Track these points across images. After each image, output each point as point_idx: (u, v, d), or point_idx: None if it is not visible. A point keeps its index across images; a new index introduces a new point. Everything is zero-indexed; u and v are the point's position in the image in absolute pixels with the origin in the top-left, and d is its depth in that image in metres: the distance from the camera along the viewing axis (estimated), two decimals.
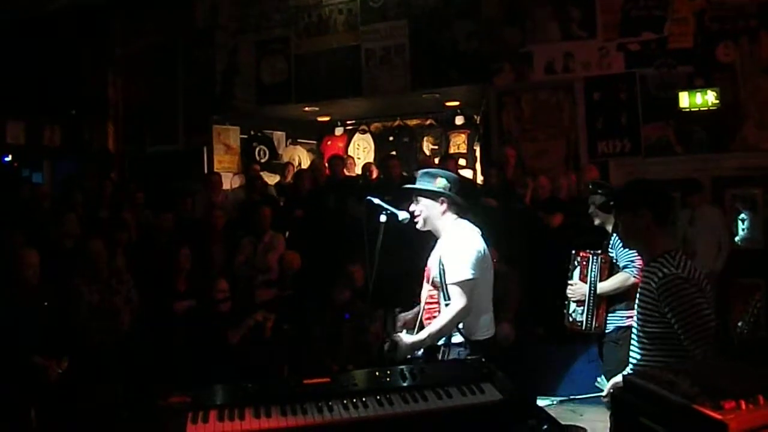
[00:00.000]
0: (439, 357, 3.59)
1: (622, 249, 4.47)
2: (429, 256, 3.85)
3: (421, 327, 3.66)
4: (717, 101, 7.42)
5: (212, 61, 9.72)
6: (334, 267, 6.36)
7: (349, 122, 11.05)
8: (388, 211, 3.83)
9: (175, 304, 5.95)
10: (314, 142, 11.42)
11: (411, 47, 8.78)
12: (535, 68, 8.20)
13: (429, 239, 3.90)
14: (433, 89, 9.03)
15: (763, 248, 7.25)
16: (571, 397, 6.01)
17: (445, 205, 3.73)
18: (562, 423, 2.90)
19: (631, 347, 2.98)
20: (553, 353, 6.16)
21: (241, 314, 6.00)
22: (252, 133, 10.51)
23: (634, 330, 2.96)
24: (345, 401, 2.74)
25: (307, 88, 9.34)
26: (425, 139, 10.82)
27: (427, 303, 3.73)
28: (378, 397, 2.76)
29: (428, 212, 3.74)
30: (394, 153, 9.87)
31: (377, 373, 2.99)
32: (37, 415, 4.88)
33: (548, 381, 6.15)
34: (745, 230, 7.34)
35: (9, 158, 9.77)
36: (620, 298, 4.51)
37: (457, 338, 3.61)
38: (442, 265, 3.60)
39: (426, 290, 3.72)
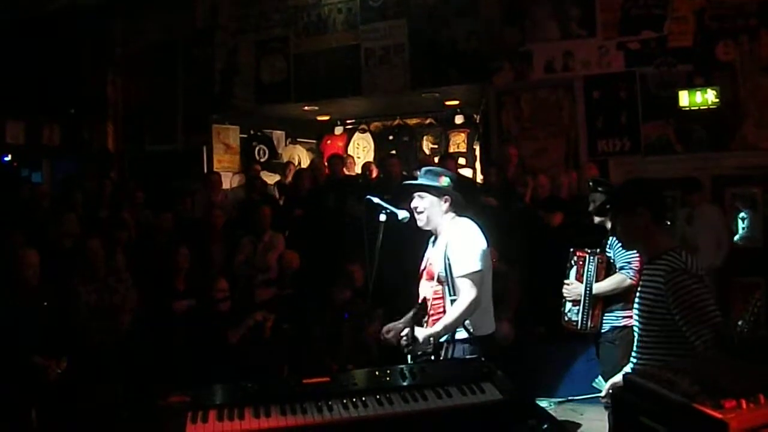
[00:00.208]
0: (443, 354, 3.59)
1: (619, 249, 4.47)
2: (424, 254, 3.86)
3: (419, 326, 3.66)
4: (717, 100, 7.41)
5: (212, 61, 9.71)
6: (333, 266, 6.36)
7: (348, 121, 11.05)
8: (388, 210, 3.84)
9: (174, 303, 5.95)
10: (314, 141, 11.42)
11: (410, 46, 8.77)
12: (535, 67, 8.19)
13: (427, 238, 3.91)
14: (433, 88, 9.03)
15: (763, 247, 7.25)
16: (570, 398, 6.02)
17: (448, 203, 3.76)
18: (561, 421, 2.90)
19: (634, 347, 2.97)
20: (553, 353, 6.16)
21: (240, 314, 6.00)
22: (252, 132, 10.50)
23: (635, 330, 2.96)
24: (345, 401, 2.74)
25: (306, 87, 9.33)
26: (425, 138, 10.81)
27: (432, 300, 3.73)
28: (378, 397, 2.76)
29: (432, 209, 3.75)
30: (393, 152, 9.87)
31: (377, 373, 3.00)
32: (37, 415, 4.88)
33: (548, 380, 6.15)
34: (745, 229, 7.34)
35: (8, 158, 9.76)
36: (617, 298, 4.51)
37: (461, 334, 3.62)
38: (448, 260, 3.62)
39: (429, 288, 3.72)
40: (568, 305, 4.69)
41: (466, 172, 9.47)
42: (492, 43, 8.38)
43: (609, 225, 4.61)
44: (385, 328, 3.65)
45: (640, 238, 2.94)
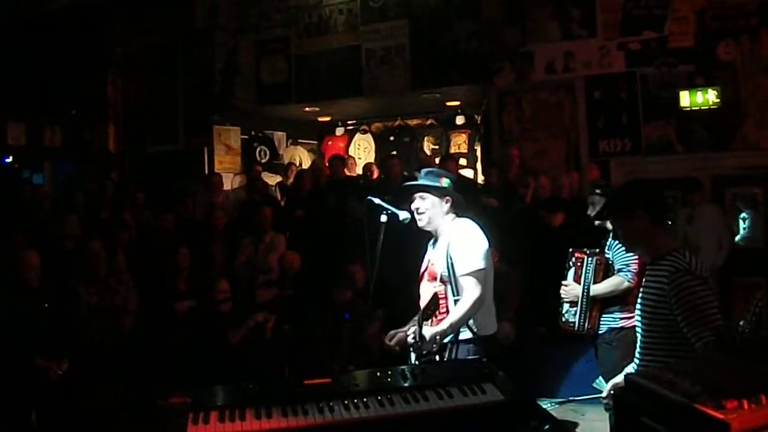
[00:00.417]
0: (447, 354, 3.59)
1: (618, 251, 4.46)
2: (424, 256, 3.86)
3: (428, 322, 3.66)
4: (718, 100, 7.42)
5: (212, 62, 9.72)
6: (334, 267, 6.36)
7: (349, 122, 11.05)
8: (389, 211, 3.84)
9: (175, 304, 5.95)
10: (315, 142, 11.41)
11: (411, 47, 8.77)
12: (536, 68, 8.19)
13: (427, 239, 3.91)
14: (434, 89, 9.03)
15: (764, 247, 7.24)
16: (571, 399, 6.01)
17: (449, 204, 3.77)
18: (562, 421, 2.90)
19: (637, 348, 2.96)
20: (554, 353, 6.15)
21: (241, 315, 6.00)
22: (252, 133, 10.51)
23: (638, 331, 2.95)
24: (346, 402, 2.74)
25: (307, 88, 9.34)
26: (426, 139, 10.82)
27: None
28: (379, 398, 2.76)
29: (433, 210, 3.76)
30: (394, 153, 9.87)
31: (378, 374, 2.99)
32: (38, 415, 4.88)
33: (549, 381, 6.14)
34: (746, 229, 7.34)
35: (10, 159, 9.77)
36: (615, 300, 4.49)
37: (464, 335, 3.62)
38: (451, 259, 3.62)
39: (431, 288, 3.72)
40: (566, 306, 4.68)
41: (467, 173, 9.47)
42: (493, 44, 8.38)
43: (609, 225, 4.60)
44: (388, 335, 3.65)
45: (640, 241, 2.92)
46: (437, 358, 3.52)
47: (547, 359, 6.19)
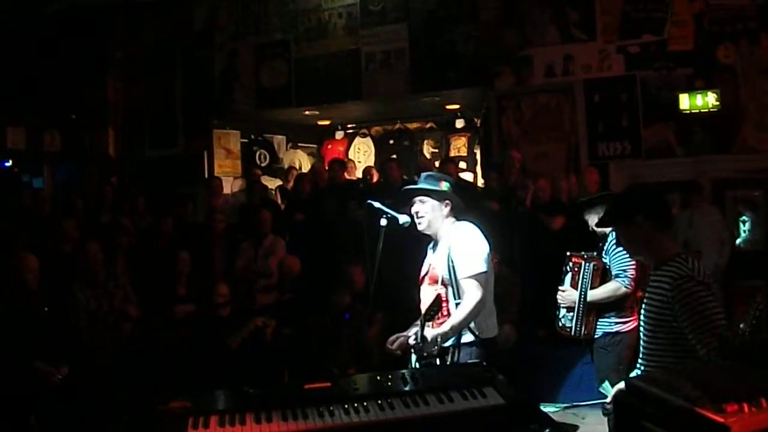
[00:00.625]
0: (449, 358, 3.59)
1: (615, 256, 4.45)
2: (424, 260, 3.87)
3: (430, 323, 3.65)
4: (717, 103, 7.42)
5: (212, 65, 9.73)
6: (334, 271, 6.35)
7: (349, 126, 11.06)
8: (389, 215, 3.84)
9: (175, 308, 5.95)
10: (314, 145, 11.42)
11: (411, 51, 8.78)
12: (535, 71, 8.20)
13: (427, 243, 3.91)
14: (433, 93, 9.04)
15: (764, 250, 7.24)
16: (575, 404, 5.99)
17: (448, 208, 3.77)
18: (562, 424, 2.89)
19: (640, 353, 2.95)
20: (554, 356, 6.14)
21: (241, 319, 5.99)
22: (252, 137, 10.52)
23: (641, 335, 2.93)
24: (346, 406, 2.73)
25: (307, 91, 9.35)
26: (426, 142, 10.83)
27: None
28: (379, 402, 2.75)
29: (433, 214, 3.76)
30: (394, 156, 9.87)
31: (378, 378, 2.99)
32: (37, 420, 4.87)
33: (550, 384, 6.14)
34: (747, 232, 7.34)
35: (9, 163, 9.76)
36: (611, 305, 4.48)
37: (467, 338, 3.62)
38: (452, 262, 3.63)
39: (432, 292, 3.72)
40: (563, 311, 4.67)
41: (467, 176, 9.47)
42: (492, 48, 8.39)
43: (607, 231, 4.58)
44: (389, 340, 3.65)
45: (643, 247, 2.90)
46: (438, 361, 3.51)
47: (547, 362, 6.18)
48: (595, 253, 4.59)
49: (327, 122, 10.85)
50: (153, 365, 5.45)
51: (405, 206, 3.90)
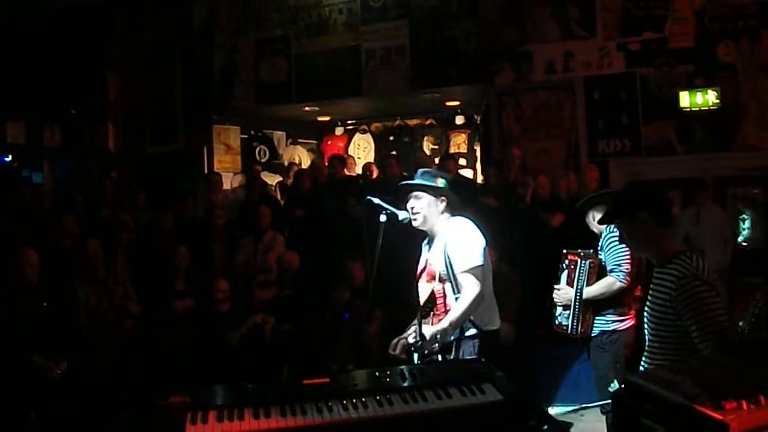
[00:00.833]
0: (453, 352, 3.60)
1: (610, 251, 4.43)
2: (419, 255, 3.87)
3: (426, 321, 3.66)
4: (717, 101, 7.42)
5: (211, 61, 9.71)
6: (334, 267, 6.35)
7: (349, 122, 11.04)
8: (388, 211, 3.84)
9: (173, 303, 5.95)
10: (314, 141, 11.40)
11: (411, 47, 8.77)
12: (535, 68, 8.19)
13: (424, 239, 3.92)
14: (433, 89, 9.03)
15: (764, 248, 7.24)
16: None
17: (444, 204, 3.79)
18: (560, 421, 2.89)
19: (645, 350, 2.94)
20: (554, 354, 6.14)
21: (240, 314, 6.00)
22: (252, 132, 10.50)
23: (646, 333, 2.92)
24: (345, 401, 2.74)
25: (307, 87, 9.32)
26: (425, 138, 10.81)
27: (435, 300, 3.73)
28: (378, 398, 2.75)
29: (429, 210, 3.77)
30: (394, 153, 9.87)
31: (377, 374, 2.99)
32: (37, 415, 4.87)
33: (549, 381, 6.13)
34: (747, 230, 7.34)
35: (9, 158, 9.75)
36: (608, 302, 4.47)
37: (470, 331, 3.62)
38: (449, 258, 3.63)
39: (430, 288, 3.72)
40: (559, 309, 4.66)
41: (467, 173, 9.46)
42: (492, 44, 8.37)
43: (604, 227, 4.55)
44: (391, 345, 3.65)
45: (646, 244, 2.89)
46: (439, 357, 3.52)
47: (546, 360, 6.17)
48: (592, 251, 4.58)
49: (327, 118, 10.84)
50: (153, 361, 5.46)
51: (404, 202, 3.90)
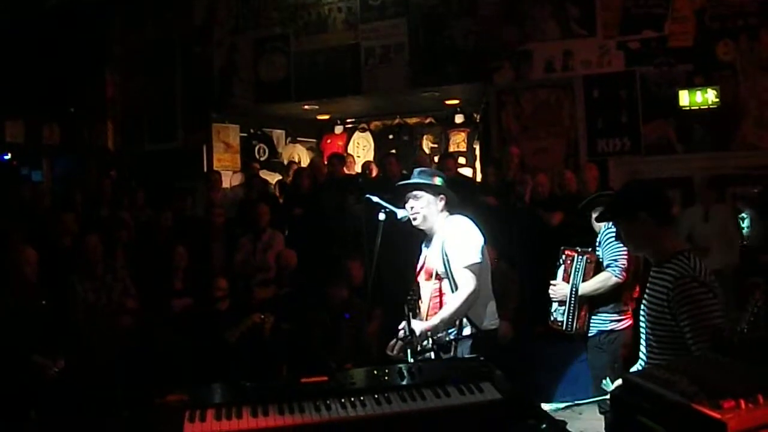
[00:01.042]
0: (452, 351, 3.59)
1: (607, 246, 4.41)
2: (419, 255, 3.87)
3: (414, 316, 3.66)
4: (717, 99, 7.42)
5: (211, 59, 9.71)
6: (333, 265, 6.35)
7: (348, 120, 11.04)
8: (388, 210, 3.84)
9: (172, 302, 5.95)
10: (314, 140, 11.41)
11: (410, 45, 8.76)
12: (535, 66, 8.19)
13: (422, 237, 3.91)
14: (433, 87, 9.02)
15: (763, 247, 7.22)
16: (577, 402, 5.97)
17: (443, 202, 3.79)
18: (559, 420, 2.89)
19: (642, 349, 2.94)
20: (553, 352, 6.14)
21: (239, 313, 5.99)
22: (251, 131, 10.51)
23: (642, 332, 2.92)
24: (343, 400, 2.73)
25: (306, 86, 9.32)
26: (425, 137, 10.82)
27: (431, 299, 3.74)
28: (376, 396, 2.75)
29: (428, 209, 3.77)
30: (393, 151, 9.87)
31: (375, 372, 2.98)
32: (37, 413, 4.87)
33: (548, 380, 6.13)
34: (746, 229, 7.32)
35: (8, 156, 9.75)
36: (606, 300, 4.45)
37: (467, 330, 3.62)
38: (446, 255, 3.63)
39: (428, 286, 3.72)
40: (555, 305, 4.64)
41: (466, 172, 9.47)
42: (492, 43, 8.37)
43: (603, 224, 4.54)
44: (389, 346, 3.64)
45: (645, 244, 2.87)
46: (432, 355, 3.51)
47: (545, 358, 6.18)
48: (590, 249, 4.57)
49: (326, 117, 10.84)
50: (152, 359, 5.45)
51: (403, 203, 3.90)
